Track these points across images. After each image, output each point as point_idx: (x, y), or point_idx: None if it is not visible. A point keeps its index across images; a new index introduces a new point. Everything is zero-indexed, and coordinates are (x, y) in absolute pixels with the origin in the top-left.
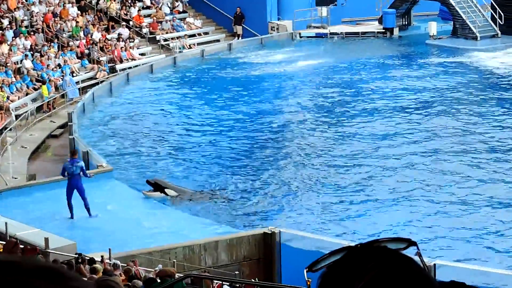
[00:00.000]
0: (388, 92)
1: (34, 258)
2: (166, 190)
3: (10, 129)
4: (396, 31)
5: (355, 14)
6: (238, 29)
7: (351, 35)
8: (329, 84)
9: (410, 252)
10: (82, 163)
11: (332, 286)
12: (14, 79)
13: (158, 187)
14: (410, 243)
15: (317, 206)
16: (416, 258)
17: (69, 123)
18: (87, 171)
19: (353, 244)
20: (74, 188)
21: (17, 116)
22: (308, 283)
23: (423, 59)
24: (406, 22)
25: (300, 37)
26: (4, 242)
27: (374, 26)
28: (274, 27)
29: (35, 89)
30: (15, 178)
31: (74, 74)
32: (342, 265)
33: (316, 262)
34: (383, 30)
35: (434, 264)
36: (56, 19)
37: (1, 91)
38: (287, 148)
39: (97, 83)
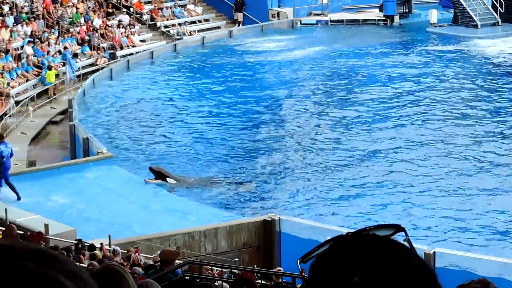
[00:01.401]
0: (387, 79)
1: (25, 242)
2: (168, 179)
3: (11, 115)
4: (396, 19)
5: (356, 1)
6: (239, 16)
7: (352, 23)
8: (329, 72)
9: (397, 238)
10: (11, 145)
11: (324, 276)
12: (14, 65)
13: (160, 175)
14: (398, 229)
15: (317, 194)
16: (406, 244)
17: (69, 110)
18: (88, 157)
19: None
20: (8, 169)
21: (17, 102)
22: (302, 273)
23: (423, 47)
24: (407, 10)
25: (301, 24)
26: (4, 228)
27: (374, 14)
28: (274, 14)
29: (35, 75)
30: (15, 164)
31: (77, 60)
32: (333, 255)
33: (309, 253)
34: (384, 18)
35: (434, 252)
36: (57, 6)
37: (2, 77)
38: (288, 135)
39: (98, 70)
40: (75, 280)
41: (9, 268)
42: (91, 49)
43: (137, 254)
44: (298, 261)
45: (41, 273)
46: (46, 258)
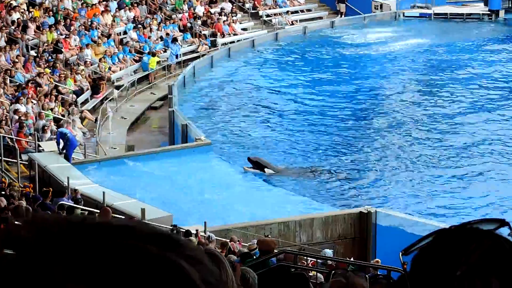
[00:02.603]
0: (487, 76)
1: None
2: (265, 169)
3: (111, 100)
4: (501, 14)
5: None
6: (341, 7)
7: (456, 17)
8: (429, 66)
9: (501, 233)
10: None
11: (427, 269)
12: (116, 50)
13: (258, 165)
14: (503, 223)
15: (414, 188)
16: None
17: (169, 96)
18: (186, 144)
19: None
20: (74, 147)
21: (117, 87)
22: (404, 266)
23: None
24: None
25: (404, 16)
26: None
27: (479, 8)
28: (377, 6)
29: (136, 61)
30: (114, 148)
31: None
32: (436, 248)
33: (412, 245)
34: (488, 12)
35: None
36: None
37: (104, 61)
38: (386, 128)
39: (198, 57)
40: (196, 266)
41: (131, 250)
42: (192, 36)
43: (233, 243)
44: (400, 253)
45: (163, 257)
46: (169, 242)
